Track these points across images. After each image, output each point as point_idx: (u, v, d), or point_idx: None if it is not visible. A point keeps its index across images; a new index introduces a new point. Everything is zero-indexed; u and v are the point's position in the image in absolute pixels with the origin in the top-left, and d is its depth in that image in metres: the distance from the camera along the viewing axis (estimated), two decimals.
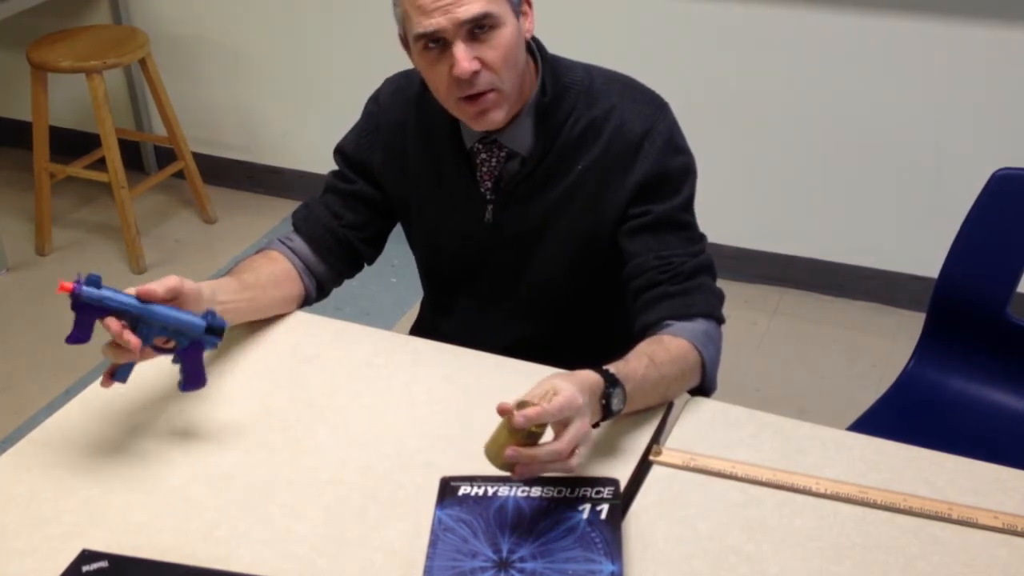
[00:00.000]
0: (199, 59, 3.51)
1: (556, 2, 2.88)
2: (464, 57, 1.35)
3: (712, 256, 1.50)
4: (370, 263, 1.67)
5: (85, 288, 1.25)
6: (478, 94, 1.39)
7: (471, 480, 1.22)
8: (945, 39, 2.61)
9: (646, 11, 2.86)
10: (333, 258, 1.61)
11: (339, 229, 1.60)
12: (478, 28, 1.36)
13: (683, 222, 1.48)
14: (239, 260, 1.58)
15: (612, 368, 1.28)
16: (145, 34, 3.27)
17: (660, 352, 1.36)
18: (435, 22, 1.34)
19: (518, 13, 1.41)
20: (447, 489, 1.21)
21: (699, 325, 1.42)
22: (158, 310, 1.29)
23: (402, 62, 1.51)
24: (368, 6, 3.15)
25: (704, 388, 1.43)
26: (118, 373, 1.31)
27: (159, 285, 1.30)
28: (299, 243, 1.59)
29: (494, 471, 1.15)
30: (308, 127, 3.48)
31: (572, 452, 1.13)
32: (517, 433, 1.12)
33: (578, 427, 1.13)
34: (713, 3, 2.78)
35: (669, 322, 1.42)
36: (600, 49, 2.97)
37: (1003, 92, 2.62)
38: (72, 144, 3.61)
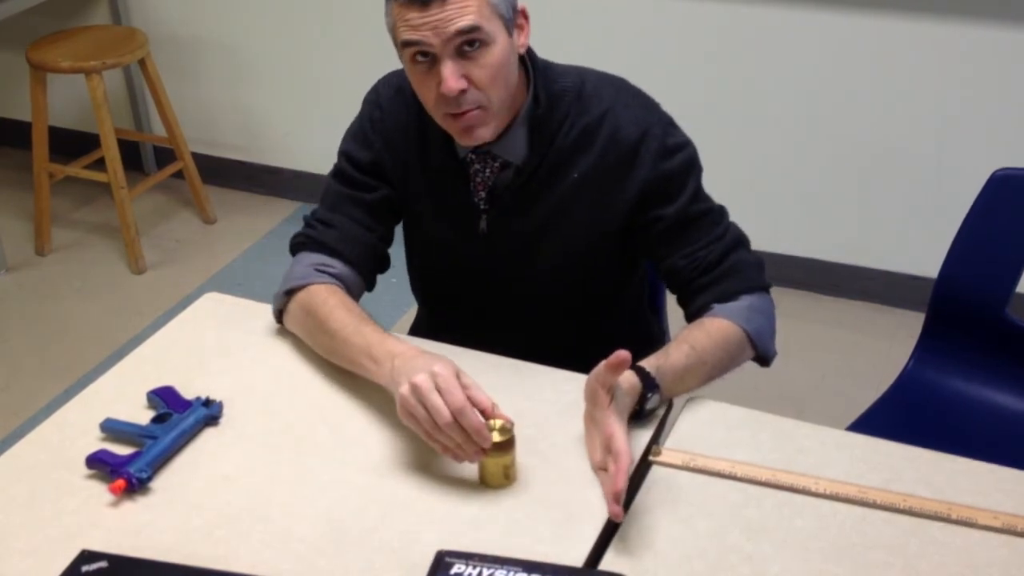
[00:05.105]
0: (199, 59, 3.51)
1: (558, 3, 2.88)
2: (451, 76, 1.34)
3: (738, 227, 1.51)
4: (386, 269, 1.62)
5: (134, 473, 1.25)
6: (464, 111, 1.38)
7: (468, 558, 1.13)
8: (945, 39, 2.61)
9: (646, 11, 2.86)
10: (370, 273, 1.56)
11: (377, 244, 1.55)
12: (467, 45, 1.34)
13: (698, 213, 1.48)
14: (311, 299, 1.45)
15: (651, 367, 1.31)
16: (145, 34, 3.26)
17: (701, 338, 1.39)
18: (423, 36, 1.33)
19: (511, 29, 1.39)
20: (440, 564, 1.12)
21: (742, 302, 1.45)
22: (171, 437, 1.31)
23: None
24: (368, 6, 3.14)
25: (762, 358, 1.46)
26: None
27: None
28: (340, 267, 1.50)
29: (496, 550, 1.14)
30: (308, 127, 3.48)
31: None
32: (497, 452, 1.23)
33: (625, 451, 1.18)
34: (713, 3, 2.78)
35: (713, 306, 1.45)
36: (600, 50, 2.97)
37: (1003, 92, 2.62)
38: (72, 144, 3.60)
